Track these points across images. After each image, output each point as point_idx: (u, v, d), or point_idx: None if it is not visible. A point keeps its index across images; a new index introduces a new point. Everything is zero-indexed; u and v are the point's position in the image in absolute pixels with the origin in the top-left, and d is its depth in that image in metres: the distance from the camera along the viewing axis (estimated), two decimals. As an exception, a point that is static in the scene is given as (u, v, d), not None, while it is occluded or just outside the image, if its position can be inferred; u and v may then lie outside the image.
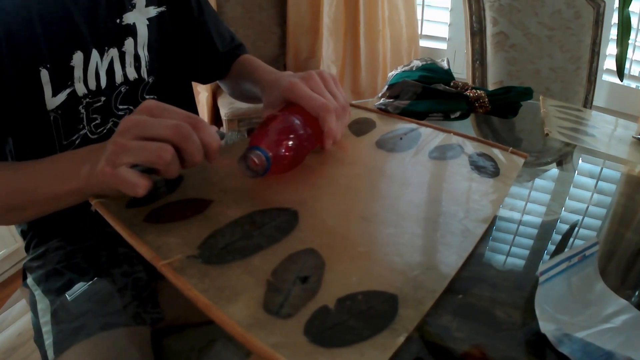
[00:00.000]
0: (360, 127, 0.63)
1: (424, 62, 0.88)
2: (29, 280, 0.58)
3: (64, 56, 0.53)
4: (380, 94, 0.80)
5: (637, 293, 0.40)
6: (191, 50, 0.71)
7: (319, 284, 0.34)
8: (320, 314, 0.32)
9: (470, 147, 0.59)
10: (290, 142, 0.46)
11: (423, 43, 1.96)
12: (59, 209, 0.48)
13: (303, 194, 0.46)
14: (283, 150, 0.45)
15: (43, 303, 0.54)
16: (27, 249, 0.66)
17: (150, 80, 0.64)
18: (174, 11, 0.66)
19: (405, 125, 0.65)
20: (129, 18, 0.59)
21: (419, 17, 1.93)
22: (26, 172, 0.48)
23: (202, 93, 1.82)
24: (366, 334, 0.30)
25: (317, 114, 0.49)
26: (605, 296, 0.38)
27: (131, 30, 0.60)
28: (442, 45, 1.96)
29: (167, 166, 0.39)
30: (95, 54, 0.55)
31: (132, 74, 0.61)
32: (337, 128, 0.51)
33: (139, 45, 0.61)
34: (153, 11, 0.63)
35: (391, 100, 0.77)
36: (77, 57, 0.54)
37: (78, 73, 0.54)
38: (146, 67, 0.63)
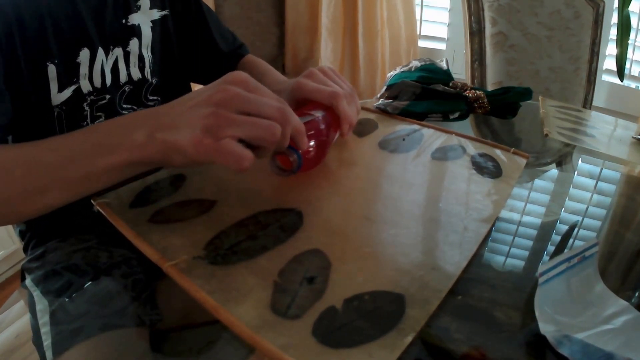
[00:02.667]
0: (362, 128, 0.63)
1: (423, 63, 0.88)
2: (28, 281, 0.58)
3: (70, 52, 0.53)
4: (379, 95, 0.80)
5: (637, 294, 0.40)
6: (195, 52, 0.72)
7: (326, 284, 0.34)
8: (328, 314, 0.32)
9: (472, 148, 0.59)
10: (317, 138, 0.47)
11: (422, 43, 1.96)
12: (88, 193, 0.41)
13: (307, 194, 0.46)
14: (312, 147, 0.46)
15: (42, 304, 0.54)
16: (25, 249, 0.66)
17: (154, 81, 0.64)
18: (177, 15, 0.67)
19: (407, 126, 0.65)
20: (134, 19, 0.60)
21: (417, 17, 1.92)
22: (51, 145, 0.40)
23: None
24: (374, 334, 0.30)
25: (329, 102, 0.51)
26: (605, 297, 0.38)
27: (136, 31, 0.60)
28: (441, 46, 1.95)
29: (272, 145, 0.38)
30: (101, 52, 0.56)
31: (136, 74, 0.62)
32: (351, 112, 0.52)
33: (143, 46, 0.62)
34: (156, 14, 0.64)
35: (390, 100, 0.77)
36: (84, 54, 0.54)
37: (84, 70, 0.55)
38: (150, 68, 0.63)
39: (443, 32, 1.93)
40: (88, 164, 0.38)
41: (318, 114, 0.49)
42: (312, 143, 0.46)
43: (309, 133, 0.46)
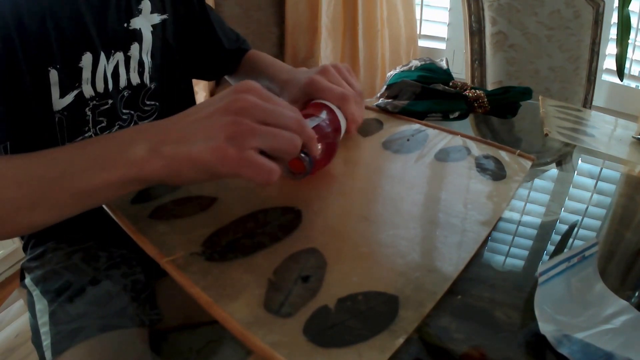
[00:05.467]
0: (367, 128, 0.63)
1: (423, 62, 0.87)
2: (27, 281, 0.58)
3: (73, 57, 0.53)
4: (379, 94, 0.80)
5: (637, 294, 0.40)
6: (197, 50, 0.72)
7: (320, 283, 0.34)
8: (320, 313, 0.32)
9: (477, 149, 0.58)
10: (324, 141, 0.47)
11: (422, 43, 1.96)
12: (79, 212, 0.38)
13: (307, 193, 0.46)
14: (321, 150, 0.46)
15: (41, 304, 0.54)
16: (25, 249, 0.66)
17: (152, 86, 0.64)
18: (179, 18, 0.67)
19: (412, 127, 0.64)
20: (135, 23, 0.60)
21: (417, 17, 1.92)
22: (44, 159, 0.38)
23: (199, 93, 1.81)
24: (365, 335, 0.30)
25: (338, 104, 0.52)
26: (605, 297, 0.38)
27: (137, 36, 0.60)
28: (441, 45, 1.95)
29: (291, 157, 0.38)
30: (103, 56, 0.56)
31: (135, 79, 0.62)
32: (358, 113, 0.54)
33: (144, 50, 0.62)
34: (157, 18, 0.63)
35: (390, 100, 0.77)
36: (86, 59, 0.54)
37: (86, 75, 0.54)
38: (149, 73, 0.63)
39: (443, 32, 1.93)
40: (80, 181, 0.36)
41: (324, 116, 0.49)
42: (319, 146, 0.45)
43: (322, 134, 0.46)
